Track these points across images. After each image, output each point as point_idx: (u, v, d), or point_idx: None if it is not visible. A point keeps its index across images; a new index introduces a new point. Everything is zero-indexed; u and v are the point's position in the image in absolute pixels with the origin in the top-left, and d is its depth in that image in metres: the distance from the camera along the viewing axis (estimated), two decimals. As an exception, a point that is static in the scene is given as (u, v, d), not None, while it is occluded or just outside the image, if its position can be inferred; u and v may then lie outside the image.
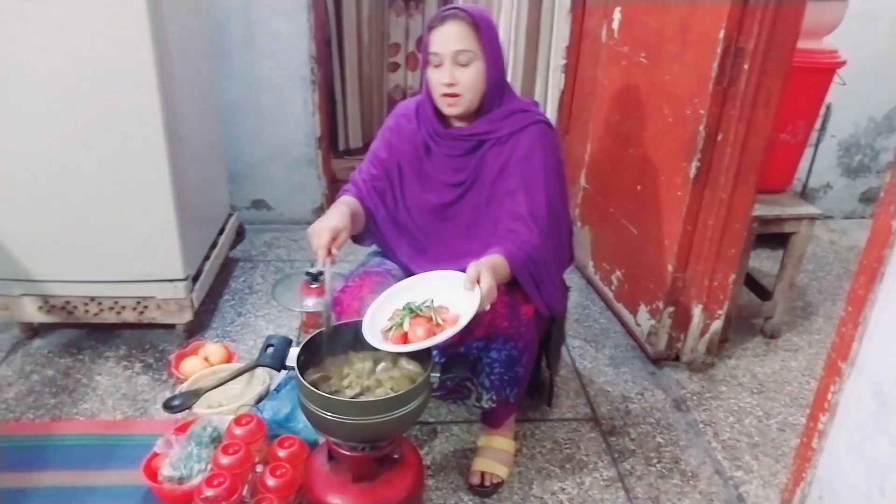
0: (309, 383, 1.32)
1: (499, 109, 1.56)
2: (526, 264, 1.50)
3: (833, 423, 1.31)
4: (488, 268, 1.36)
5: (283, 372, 1.48)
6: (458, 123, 1.60)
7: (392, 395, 1.31)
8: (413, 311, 1.36)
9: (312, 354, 1.42)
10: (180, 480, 1.50)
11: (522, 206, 1.53)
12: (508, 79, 2.84)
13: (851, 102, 2.88)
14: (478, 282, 1.33)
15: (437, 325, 1.33)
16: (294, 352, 1.41)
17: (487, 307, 1.34)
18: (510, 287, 1.53)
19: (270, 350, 1.42)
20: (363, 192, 1.67)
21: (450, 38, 1.47)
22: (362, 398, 1.34)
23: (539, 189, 1.54)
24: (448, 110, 1.54)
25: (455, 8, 1.49)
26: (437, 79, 1.50)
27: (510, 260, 1.46)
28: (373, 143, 1.72)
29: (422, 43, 1.55)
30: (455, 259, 1.52)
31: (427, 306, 1.37)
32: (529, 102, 1.65)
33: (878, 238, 1.18)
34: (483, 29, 1.48)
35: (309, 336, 1.44)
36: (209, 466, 1.51)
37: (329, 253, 1.40)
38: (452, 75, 1.48)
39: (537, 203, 1.54)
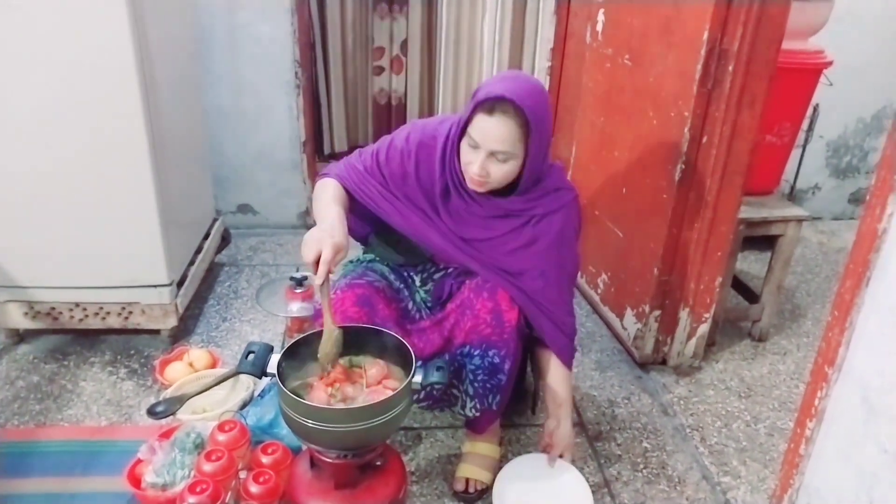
0: (290, 390, 1.31)
1: (535, 189, 1.50)
2: (572, 355, 1.65)
3: (820, 430, 1.31)
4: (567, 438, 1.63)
5: (266, 378, 1.47)
6: None
7: (373, 402, 1.30)
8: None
9: (293, 361, 1.41)
10: (164, 487, 1.48)
11: (553, 292, 1.57)
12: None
13: (839, 103, 2.89)
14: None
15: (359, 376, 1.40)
16: (275, 358, 1.40)
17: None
18: (493, 293, 1.52)
19: (251, 357, 1.41)
20: (356, 186, 1.56)
21: (495, 137, 1.35)
22: (343, 405, 1.33)
23: (568, 275, 1.61)
24: (472, 187, 1.46)
25: (508, 99, 1.32)
26: (469, 160, 1.41)
27: (568, 361, 1.64)
28: (382, 147, 1.58)
29: (466, 109, 1.42)
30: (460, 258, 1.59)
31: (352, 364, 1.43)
32: (560, 172, 1.58)
33: (864, 241, 1.17)
34: (534, 130, 1.35)
35: (290, 342, 1.43)
36: (192, 473, 1.49)
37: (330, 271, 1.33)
38: (484, 167, 1.39)
39: (569, 293, 1.63)
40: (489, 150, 1.37)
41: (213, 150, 2.68)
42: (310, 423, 1.27)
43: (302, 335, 1.45)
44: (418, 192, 1.55)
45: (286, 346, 1.41)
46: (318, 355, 1.38)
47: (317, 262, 1.31)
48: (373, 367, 1.42)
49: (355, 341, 1.45)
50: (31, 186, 1.88)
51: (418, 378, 1.37)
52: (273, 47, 2.66)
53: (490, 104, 1.34)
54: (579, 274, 2.55)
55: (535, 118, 1.35)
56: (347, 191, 1.56)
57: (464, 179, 1.48)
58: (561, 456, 1.62)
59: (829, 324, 1.26)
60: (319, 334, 1.41)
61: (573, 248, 1.60)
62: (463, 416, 1.63)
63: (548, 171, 1.53)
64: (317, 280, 1.33)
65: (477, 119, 1.37)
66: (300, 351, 1.42)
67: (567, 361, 1.63)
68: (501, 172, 1.41)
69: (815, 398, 1.31)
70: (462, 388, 1.56)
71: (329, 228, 1.36)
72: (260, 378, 1.42)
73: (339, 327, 1.40)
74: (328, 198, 1.49)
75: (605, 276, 2.35)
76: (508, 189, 1.50)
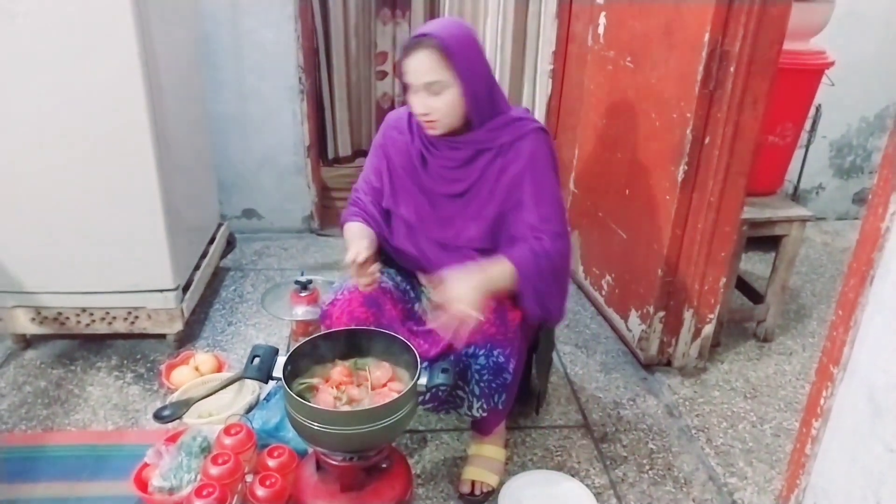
0: (295, 393, 1.32)
1: (495, 119, 1.53)
2: (533, 271, 1.50)
3: (826, 429, 1.31)
4: (474, 283, 1.38)
5: (272, 382, 1.47)
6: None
7: (378, 404, 1.31)
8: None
9: (299, 364, 1.42)
10: (170, 491, 1.49)
11: (532, 214, 1.53)
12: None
13: (842, 103, 2.89)
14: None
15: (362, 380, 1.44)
16: (281, 361, 1.40)
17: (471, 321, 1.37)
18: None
19: (256, 361, 1.41)
20: (368, 215, 1.67)
21: (419, 70, 1.44)
22: (348, 408, 1.33)
23: (548, 195, 1.55)
24: (429, 132, 1.53)
25: (424, 35, 1.45)
26: (413, 106, 1.50)
27: (518, 265, 1.47)
28: (368, 159, 1.73)
29: (398, 68, 1.55)
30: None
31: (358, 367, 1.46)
32: (523, 111, 1.63)
33: (867, 240, 1.17)
34: (455, 54, 1.42)
35: (296, 345, 1.43)
36: (199, 476, 1.50)
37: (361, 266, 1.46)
38: (426, 104, 1.46)
39: (549, 210, 1.54)
40: (422, 85, 1.45)
41: (217, 155, 2.70)
42: (315, 425, 1.28)
43: (307, 338, 1.46)
44: (403, 175, 1.63)
45: (291, 349, 1.42)
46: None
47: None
48: (378, 370, 1.43)
49: (361, 344, 1.46)
50: (38, 192, 1.89)
51: (423, 380, 1.37)
52: (277, 53, 2.68)
53: (409, 46, 1.46)
54: (581, 268, 2.55)
55: (451, 43, 1.42)
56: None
57: (431, 145, 1.57)
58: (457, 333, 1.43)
59: (834, 323, 1.26)
60: (325, 336, 1.42)
61: (548, 173, 1.57)
62: (470, 417, 1.63)
63: (506, 108, 1.57)
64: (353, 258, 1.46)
65: (404, 64, 1.47)
66: (305, 354, 1.43)
67: (521, 269, 1.48)
68: (443, 104, 1.46)
69: (820, 398, 1.31)
70: (468, 389, 1.57)
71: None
72: (266, 382, 1.43)
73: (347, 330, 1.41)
74: (352, 235, 1.61)
75: (610, 277, 2.35)
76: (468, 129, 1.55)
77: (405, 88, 1.52)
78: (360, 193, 1.71)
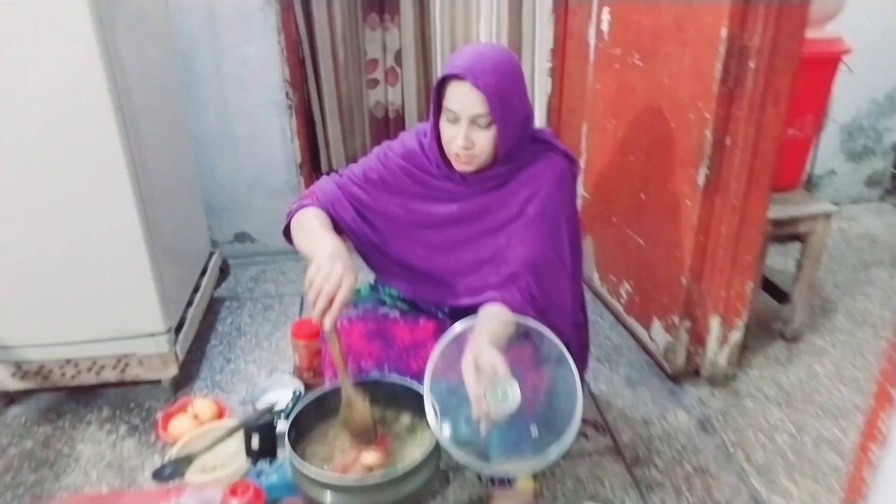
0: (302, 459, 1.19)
1: (520, 153, 1.42)
2: (519, 300, 1.38)
3: (886, 455, 1.20)
4: (489, 350, 1.18)
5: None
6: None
7: (387, 473, 1.17)
8: None
9: (303, 425, 1.29)
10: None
11: (520, 260, 1.42)
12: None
13: (851, 85, 2.74)
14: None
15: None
16: (283, 425, 1.27)
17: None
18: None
19: (255, 442, 1.27)
20: (340, 213, 1.50)
21: (469, 101, 1.30)
22: (352, 476, 1.20)
23: (546, 240, 1.43)
24: (460, 167, 1.39)
25: (468, 71, 1.30)
26: (451, 136, 1.35)
27: (512, 307, 1.34)
28: (366, 164, 1.53)
29: (433, 88, 1.37)
30: (457, 289, 1.47)
31: None
32: (549, 133, 1.51)
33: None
34: (499, 99, 1.31)
35: (297, 409, 1.29)
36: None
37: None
38: (468, 138, 1.32)
39: (532, 264, 1.41)
40: (469, 117, 1.31)
41: (204, 178, 2.57)
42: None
43: (310, 395, 1.32)
44: (407, 199, 1.49)
45: (293, 411, 1.28)
46: (349, 431, 1.28)
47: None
48: (369, 455, 1.29)
49: (368, 390, 1.33)
50: (12, 240, 1.74)
51: (447, 432, 1.23)
52: (260, 68, 2.54)
53: (455, 73, 1.30)
54: (597, 274, 2.44)
55: (496, 89, 1.29)
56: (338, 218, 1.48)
57: (452, 174, 1.43)
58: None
59: (892, 343, 1.15)
60: (329, 392, 1.30)
61: (555, 216, 1.44)
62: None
63: (530, 138, 1.45)
64: (326, 326, 1.18)
65: (450, 90, 1.32)
66: (309, 413, 1.29)
67: (510, 304, 1.36)
68: (487, 140, 1.34)
69: (877, 420, 1.19)
70: None
71: (343, 256, 1.22)
72: (275, 458, 1.30)
73: (357, 383, 1.28)
74: (315, 225, 1.39)
75: (628, 284, 2.23)
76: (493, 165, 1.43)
77: (437, 113, 1.37)
78: (339, 180, 1.52)
